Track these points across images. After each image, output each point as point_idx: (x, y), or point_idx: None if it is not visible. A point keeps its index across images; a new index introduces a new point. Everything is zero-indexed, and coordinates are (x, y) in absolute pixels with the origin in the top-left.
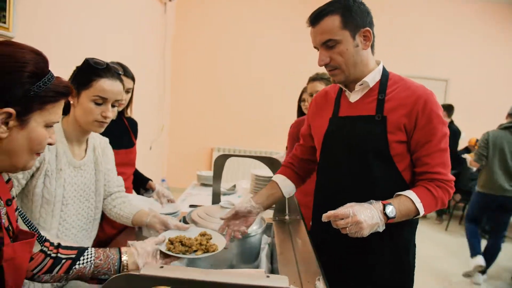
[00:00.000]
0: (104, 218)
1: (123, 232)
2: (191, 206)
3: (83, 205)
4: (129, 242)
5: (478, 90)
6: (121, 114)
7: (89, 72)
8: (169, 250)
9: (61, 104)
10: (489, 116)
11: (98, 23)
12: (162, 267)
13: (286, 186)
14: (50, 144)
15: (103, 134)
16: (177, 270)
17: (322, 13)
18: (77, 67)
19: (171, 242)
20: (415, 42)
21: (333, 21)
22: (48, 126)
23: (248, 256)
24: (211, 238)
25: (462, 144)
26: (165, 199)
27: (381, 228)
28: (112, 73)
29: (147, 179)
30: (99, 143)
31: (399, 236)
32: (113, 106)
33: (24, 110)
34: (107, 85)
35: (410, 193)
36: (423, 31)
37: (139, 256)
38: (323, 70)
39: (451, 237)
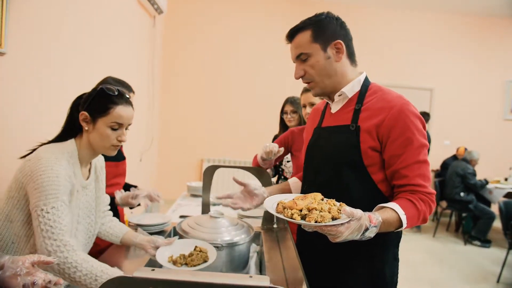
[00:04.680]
0: None
1: (110, 247)
2: (181, 216)
3: (85, 222)
4: None
5: (463, 99)
6: None
7: (105, 99)
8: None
9: None
10: (473, 125)
11: (86, 37)
12: (153, 269)
13: (296, 187)
14: None
15: None
16: (168, 272)
17: (295, 29)
18: (89, 94)
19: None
20: (401, 53)
21: (304, 36)
22: None
23: (237, 264)
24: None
25: (444, 151)
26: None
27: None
28: (126, 99)
29: (133, 186)
30: (98, 161)
31: (373, 248)
32: (126, 129)
33: None
34: (124, 112)
35: (393, 205)
36: (409, 42)
37: None
38: None
39: (439, 243)
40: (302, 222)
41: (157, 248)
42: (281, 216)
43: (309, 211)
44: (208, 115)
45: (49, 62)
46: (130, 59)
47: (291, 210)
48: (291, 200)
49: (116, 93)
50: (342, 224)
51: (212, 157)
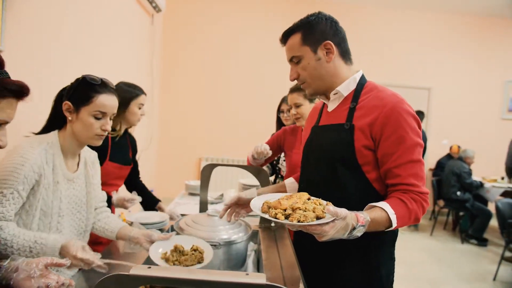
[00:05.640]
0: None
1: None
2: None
3: (75, 217)
4: (13, 256)
5: (462, 99)
6: (125, 130)
7: (88, 88)
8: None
9: (10, 103)
10: (471, 124)
11: (85, 36)
12: (150, 267)
13: (292, 188)
14: None
15: (112, 146)
16: (164, 270)
17: (286, 32)
18: (72, 84)
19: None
20: (401, 53)
21: (294, 39)
22: None
23: (235, 262)
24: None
25: (443, 151)
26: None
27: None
28: (109, 88)
29: (157, 200)
30: (89, 156)
31: (367, 248)
32: (110, 119)
33: None
34: (107, 100)
35: (383, 204)
36: (409, 42)
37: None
38: None
39: (436, 242)
40: (286, 221)
41: (152, 242)
42: (266, 216)
43: (293, 211)
44: (207, 114)
45: (49, 62)
46: (129, 58)
47: (275, 209)
48: (276, 200)
49: (99, 82)
50: (326, 223)
51: (211, 155)
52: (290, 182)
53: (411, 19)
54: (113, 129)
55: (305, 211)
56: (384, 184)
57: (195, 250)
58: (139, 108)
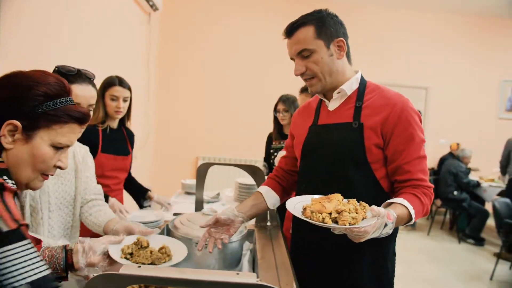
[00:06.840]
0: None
1: None
2: (175, 214)
3: (62, 212)
4: (81, 238)
5: (461, 99)
6: (121, 123)
7: None
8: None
9: (72, 129)
10: (469, 123)
11: (81, 34)
12: (140, 266)
13: (270, 197)
14: (59, 167)
15: (103, 139)
16: (154, 269)
17: (296, 24)
18: None
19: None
20: (401, 53)
21: (307, 32)
22: (56, 147)
23: (230, 261)
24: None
25: (440, 150)
26: (163, 206)
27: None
28: (83, 78)
29: (146, 190)
30: (79, 151)
31: (377, 244)
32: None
33: (30, 125)
34: (78, 91)
35: (402, 200)
36: (409, 42)
37: (83, 254)
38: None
39: (433, 242)
40: (334, 225)
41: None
42: (310, 220)
43: (338, 214)
44: (205, 114)
45: (49, 62)
46: (124, 56)
47: (321, 214)
48: (317, 203)
49: (74, 72)
50: (369, 224)
51: (207, 155)
52: (266, 191)
53: (411, 19)
54: (103, 121)
55: (350, 213)
56: (390, 182)
57: (160, 249)
58: (112, 100)
